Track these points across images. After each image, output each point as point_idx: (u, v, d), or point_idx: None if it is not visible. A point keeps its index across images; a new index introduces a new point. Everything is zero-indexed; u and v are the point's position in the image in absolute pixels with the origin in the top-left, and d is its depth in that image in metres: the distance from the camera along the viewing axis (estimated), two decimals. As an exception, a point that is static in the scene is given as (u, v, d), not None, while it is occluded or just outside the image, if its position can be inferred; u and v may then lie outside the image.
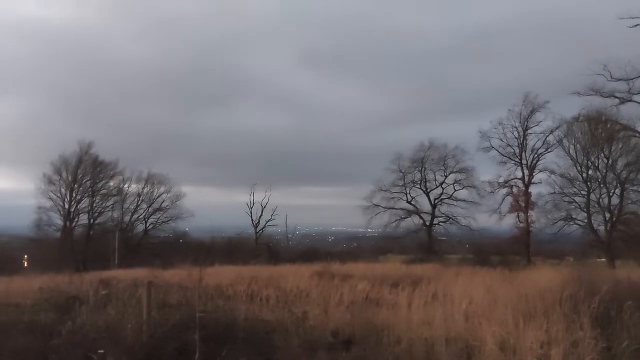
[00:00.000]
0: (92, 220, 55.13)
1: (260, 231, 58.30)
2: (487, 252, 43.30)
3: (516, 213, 45.95)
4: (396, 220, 52.41)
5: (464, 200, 51.07)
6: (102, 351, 8.08)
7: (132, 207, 57.25)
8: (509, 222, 46.80)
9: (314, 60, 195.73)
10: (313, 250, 52.66)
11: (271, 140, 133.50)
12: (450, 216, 51.80)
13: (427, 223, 51.83)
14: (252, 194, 57.30)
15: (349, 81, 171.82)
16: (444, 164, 51.75)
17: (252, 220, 57.67)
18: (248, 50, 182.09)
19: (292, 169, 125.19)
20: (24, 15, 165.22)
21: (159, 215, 58.18)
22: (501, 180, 46.75)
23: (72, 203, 53.92)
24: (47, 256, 49.15)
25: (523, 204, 45.26)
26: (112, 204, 56.32)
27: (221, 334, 9.00)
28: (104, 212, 56.11)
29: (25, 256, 53.22)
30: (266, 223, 57.91)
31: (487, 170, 63.29)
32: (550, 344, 7.77)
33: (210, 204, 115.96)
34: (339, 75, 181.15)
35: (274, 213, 57.15)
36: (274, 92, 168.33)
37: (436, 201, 52.10)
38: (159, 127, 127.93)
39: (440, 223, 52.44)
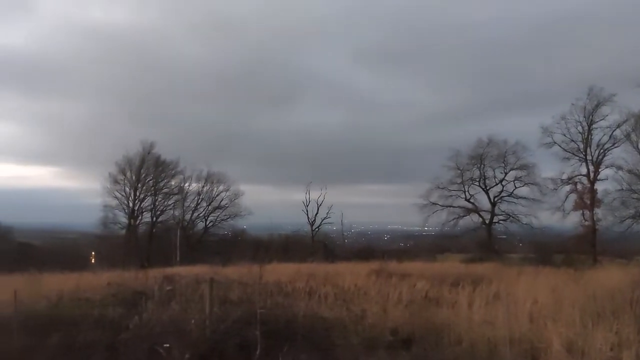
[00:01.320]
0: (154, 218, 56.94)
1: (316, 229, 58.57)
2: (550, 251, 41.84)
3: (581, 211, 44.10)
4: (454, 218, 51.42)
5: (525, 198, 49.43)
6: (168, 345, 8.35)
7: (192, 205, 58.70)
8: (572, 220, 44.97)
9: (370, 56, 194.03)
10: (369, 248, 52.46)
11: (327, 138, 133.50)
12: (511, 214, 50.30)
13: (487, 221, 50.55)
14: (308, 192, 57.64)
15: (406, 76, 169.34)
16: (504, 160, 50.30)
17: (308, 218, 57.99)
18: (304, 49, 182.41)
19: (348, 166, 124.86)
20: (93, 21, 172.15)
21: (218, 213, 59.40)
22: (564, 177, 44.97)
23: (136, 202, 55.86)
24: (113, 253, 51.24)
25: (588, 202, 43.41)
26: (174, 203, 57.97)
27: (281, 331, 9.12)
28: (166, 210, 57.84)
29: (93, 253, 55.64)
30: (322, 221, 58.11)
31: (550, 167, 60.84)
32: (621, 346, 7.45)
33: (267, 202, 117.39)
34: (395, 71, 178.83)
35: (330, 211, 57.28)
36: (329, 89, 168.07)
37: (496, 199, 50.75)
38: (218, 126, 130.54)
39: (500, 221, 51.02)
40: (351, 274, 18.33)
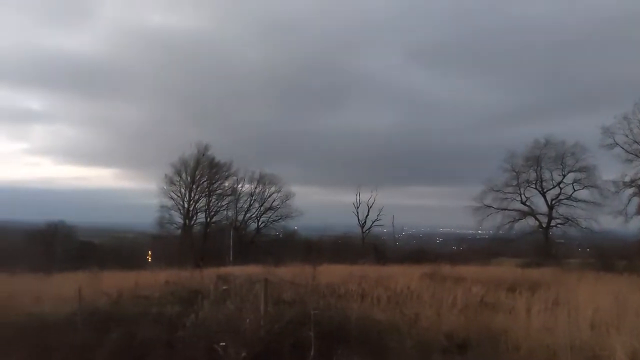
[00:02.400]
0: (208, 218, 58.20)
1: (367, 231, 58.40)
2: (611, 256, 40.08)
3: (645, 215, 42.17)
4: (509, 222, 50.16)
5: (585, 201, 47.63)
6: (224, 344, 8.50)
7: (245, 206, 59.69)
8: (636, 225, 43.04)
9: (426, 55, 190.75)
10: (420, 251, 51.80)
11: (379, 139, 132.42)
12: (570, 218, 48.59)
13: (544, 225, 49.04)
14: (358, 194, 57.58)
15: (462, 76, 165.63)
16: (562, 162, 48.63)
17: (358, 220, 57.90)
18: (359, 49, 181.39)
19: (400, 168, 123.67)
20: (151, 26, 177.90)
21: (270, 214, 60.13)
22: (627, 179, 42.99)
23: (191, 202, 57.26)
24: (169, 252, 52.60)
25: (653, 205, 41.45)
26: (227, 203, 59.12)
27: (334, 332, 9.13)
28: (219, 211, 59.03)
29: (150, 252, 57.33)
30: (372, 223, 57.91)
31: (611, 169, 58.47)
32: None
33: (317, 204, 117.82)
34: (451, 70, 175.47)
35: (380, 213, 57.02)
36: (383, 89, 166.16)
37: (553, 202, 49.13)
38: (271, 128, 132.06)
39: (558, 225, 49.40)
40: (403, 276, 18.15)
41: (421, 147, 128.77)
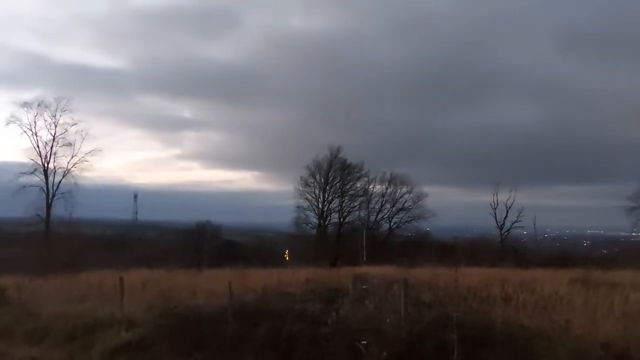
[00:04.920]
0: (342, 219, 59.40)
1: (506, 233, 55.87)
2: None
3: None
4: (671, 222, 45.21)
5: None
6: (365, 342, 8.64)
7: (377, 206, 60.03)
8: None
9: (574, 42, 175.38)
10: (565, 254, 48.43)
11: (519, 135, 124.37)
12: None
13: None
14: (495, 194, 55.26)
15: (613, 66, 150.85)
16: None
17: (496, 221, 55.61)
18: (497, 41, 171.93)
19: (542, 166, 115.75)
20: (292, 30, 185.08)
21: (402, 215, 59.86)
22: None
23: (325, 203, 58.84)
24: (305, 251, 54.46)
25: None
26: (359, 204, 59.89)
27: (478, 336, 8.86)
28: (352, 211, 59.98)
29: (287, 250, 59.76)
30: (512, 224, 55.32)
31: None
32: None
33: (452, 204, 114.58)
34: (600, 60, 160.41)
35: (520, 214, 54.24)
36: (524, 82, 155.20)
37: None
38: (404, 127, 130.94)
39: None
40: (550, 281, 17.11)
41: (567, 143, 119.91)
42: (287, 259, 54.26)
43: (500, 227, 55.58)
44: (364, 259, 47.92)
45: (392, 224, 60.45)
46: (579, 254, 49.10)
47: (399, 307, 9.67)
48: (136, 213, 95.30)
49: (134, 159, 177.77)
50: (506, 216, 54.98)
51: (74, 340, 12.05)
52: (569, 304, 11.92)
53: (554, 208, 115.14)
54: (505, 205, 54.76)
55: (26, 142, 50.79)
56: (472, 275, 19.14)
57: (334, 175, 58.99)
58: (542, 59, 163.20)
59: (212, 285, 15.72)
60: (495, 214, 55.44)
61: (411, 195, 59.04)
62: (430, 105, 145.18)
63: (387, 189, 59.76)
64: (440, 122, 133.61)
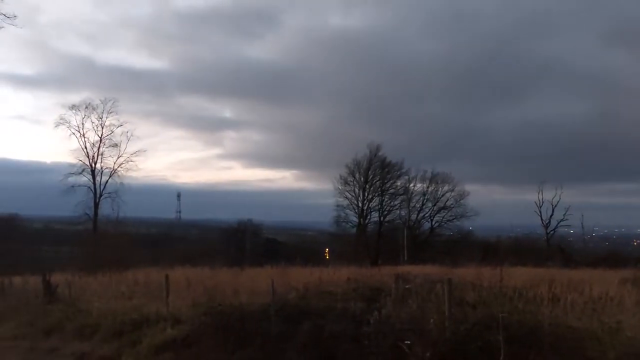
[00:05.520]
0: (382, 217, 59.02)
1: (552, 232, 54.47)
2: None
3: None
4: None
5: None
6: (409, 342, 8.57)
7: (417, 205, 59.44)
8: None
9: (623, 37, 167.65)
10: (615, 254, 46.92)
11: (565, 131, 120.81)
12: None
13: None
14: (540, 192, 53.93)
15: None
16: None
17: (541, 220, 54.27)
18: (546, 35, 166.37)
19: (590, 163, 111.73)
20: (332, 28, 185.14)
21: (444, 214, 59.10)
22: None
23: (365, 202, 58.61)
24: (346, 250, 54.44)
25: None
26: (400, 203, 59.41)
27: (525, 338, 8.66)
28: (392, 210, 59.55)
29: (327, 249, 59.89)
30: (558, 223, 53.88)
31: None
32: None
33: (495, 203, 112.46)
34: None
35: (567, 213, 52.78)
36: (572, 77, 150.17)
37: None
38: (445, 124, 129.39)
39: None
40: (599, 281, 16.58)
41: (615, 139, 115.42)
42: (327, 257, 54.35)
43: (546, 226, 54.24)
44: (405, 258, 47.58)
45: (433, 222, 59.81)
46: (629, 254, 47.50)
47: (443, 307, 9.54)
48: (179, 212, 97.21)
49: (177, 159, 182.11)
50: (552, 214, 53.63)
51: (122, 336, 12.36)
52: (620, 305, 11.54)
53: (603, 206, 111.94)
54: (551, 204, 53.45)
55: (74, 143, 52.43)
56: (518, 275, 18.74)
57: (373, 173, 58.72)
58: (588, 53, 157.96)
59: (254, 283, 15.89)
60: (540, 212, 54.15)
61: (453, 193, 58.29)
62: (472, 102, 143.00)
63: (428, 187, 59.16)
64: (482, 119, 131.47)
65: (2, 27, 40.71)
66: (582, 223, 52.44)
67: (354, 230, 59.65)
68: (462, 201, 57.98)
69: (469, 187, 59.51)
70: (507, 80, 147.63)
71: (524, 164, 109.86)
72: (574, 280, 17.31)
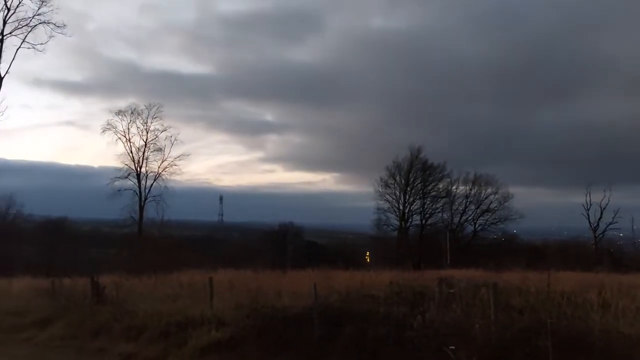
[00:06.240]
0: (423, 220, 58.46)
1: (600, 235, 52.81)
2: None
3: None
4: None
5: None
6: (453, 347, 8.45)
7: (460, 208, 58.61)
8: None
9: None
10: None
11: (614, 132, 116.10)
12: None
13: None
14: (588, 194, 52.40)
15: None
16: None
17: (589, 223, 52.69)
18: (594, 34, 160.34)
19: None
20: (374, 29, 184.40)
21: (487, 217, 58.07)
22: None
23: (406, 205, 58.16)
24: (387, 253, 54.11)
25: None
26: (442, 206, 58.73)
27: (574, 344, 8.42)
28: (434, 213, 58.93)
29: (368, 252, 59.66)
30: (607, 226, 52.21)
31: None
32: None
33: (540, 205, 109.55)
34: None
35: (616, 215, 51.07)
36: (620, 77, 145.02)
37: None
38: (488, 125, 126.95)
39: None
40: (651, 286, 15.93)
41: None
42: (368, 261, 54.16)
43: (594, 229, 52.63)
44: (448, 261, 46.94)
45: (476, 226, 58.84)
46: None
47: (488, 311, 9.39)
48: (221, 215, 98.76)
49: (219, 163, 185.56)
50: (600, 217, 52.06)
51: (167, 337, 12.59)
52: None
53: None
54: (600, 206, 51.89)
55: (121, 148, 53.94)
56: (565, 280, 18.21)
57: (414, 176, 58.25)
58: (637, 51, 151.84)
59: (296, 286, 15.94)
60: (588, 215, 52.61)
61: (497, 196, 57.26)
62: (517, 102, 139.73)
63: (471, 190, 58.29)
64: (527, 120, 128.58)
65: (53, 37, 41.93)
66: (632, 226, 50.72)
67: (395, 233, 59.26)
68: (506, 204, 56.95)
69: (513, 190, 58.34)
70: (553, 79, 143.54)
71: (571, 166, 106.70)
72: (624, 285, 16.70)
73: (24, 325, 16.47)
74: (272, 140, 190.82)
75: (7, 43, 42.30)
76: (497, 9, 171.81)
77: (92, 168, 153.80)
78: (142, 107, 54.04)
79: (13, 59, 43.31)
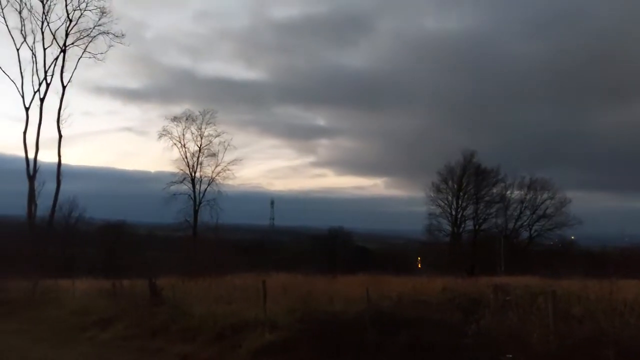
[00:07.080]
0: (477, 226, 57.37)
1: (665, 241, 50.28)
2: None
3: None
4: None
5: None
6: (511, 356, 8.27)
7: (515, 213, 57.22)
8: None
9: None
10: None
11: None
12: None
13: None
14: (650, 199, 50.09)
15: None
16: None
17: (654, 228, 50.34)
18: None
19: None
20: (425, 32, 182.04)
21: (544, 223, 56.42)
22: None
23: (458, 210, 57.25)
24: (438, 259, 53.34)
25: None
26: (496, 211, 57.47)
27: (638, 354, 8.10)
28: (488, 218, 57.72)
29: (419, 258, 58.94)
30: (673, 232, 49.62)
31: None
32: None
33: (600, 211, 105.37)
34: None
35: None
36: None
37: None
38: (544, 128, 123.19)
39: None
40: None
41: None
42: (419, 266, 53.52)
43: (659, 235, 50.17)
44: (502, 268, 45.83)
45: (532, 231, 57.32)
46: None
47: (546, 320, 9.14)
48: (273, 219, 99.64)
49: (271, 167, 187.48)
50: (666, 223, 49.62)
51: (222, 339, 12.84)
52: None
53: None
54: (665, 211, 49.48)
55: (176, 153, 55.44)
56: (628, 288, 17.41)
57: (467, 180, 57.29)
58: None
59: (348, 290, 15.94)
60: (650, 220, 50.26)
61: (553, 201, 55.60)
62: (574, 104, 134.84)
63: (526, 194, 56.84)
64: (585, 122, 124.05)
65: (112, 46, 43.73)
66: (701, 232, 48.09)
67: (447, 239, 58.37)
68: (563, 209, 55.15)
69: (570, 194, 56.43)
70: (612, 80, 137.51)
71: (632, 169, 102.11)
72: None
73: (87, 324, 17.20)
74: (324, 145, 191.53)
75: (69, 53, 44.57)
76: (554, 9, 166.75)
77: (149, 173, 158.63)
78: (197, 113, 55.57)
79: (75, 68, 45.83)
